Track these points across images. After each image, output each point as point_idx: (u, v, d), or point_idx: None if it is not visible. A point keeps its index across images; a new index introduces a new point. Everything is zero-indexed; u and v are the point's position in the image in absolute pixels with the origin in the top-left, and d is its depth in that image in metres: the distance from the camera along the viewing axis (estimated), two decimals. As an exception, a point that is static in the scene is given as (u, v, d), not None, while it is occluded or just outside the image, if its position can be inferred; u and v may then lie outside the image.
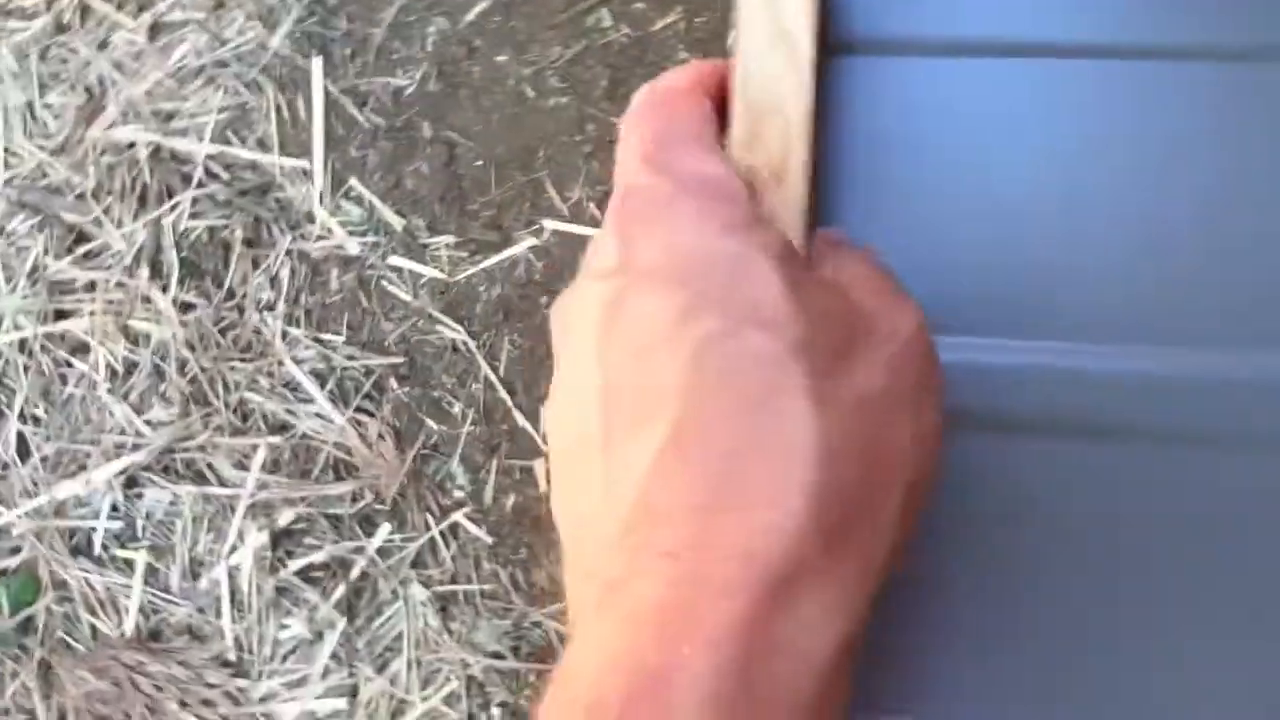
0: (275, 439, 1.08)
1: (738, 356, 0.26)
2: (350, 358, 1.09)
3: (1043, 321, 0.35)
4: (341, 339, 1.10)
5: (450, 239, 1.09)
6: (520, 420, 1.06)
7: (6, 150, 1.17)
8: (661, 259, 0.27)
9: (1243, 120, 0.33)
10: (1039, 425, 0.34)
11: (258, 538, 1.06)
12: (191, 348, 1.10)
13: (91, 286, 1.13)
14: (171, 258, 1.12)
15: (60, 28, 1.18)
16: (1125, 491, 0.34)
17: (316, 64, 1.12)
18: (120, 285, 1.13)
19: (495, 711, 1.01)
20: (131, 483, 1.10)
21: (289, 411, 1.09)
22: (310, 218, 1.11)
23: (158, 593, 1.08)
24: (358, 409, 1.08)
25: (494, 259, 1.08)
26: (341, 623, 1.04)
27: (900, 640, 0.33)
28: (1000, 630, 0.34)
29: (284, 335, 1.10)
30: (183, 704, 1.03)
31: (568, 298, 0.30)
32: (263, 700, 1.04)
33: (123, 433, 1.11)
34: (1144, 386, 0.34)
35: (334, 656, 1.04)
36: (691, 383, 0.26)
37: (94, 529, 1.10)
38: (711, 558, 0.25)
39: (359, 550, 1.05)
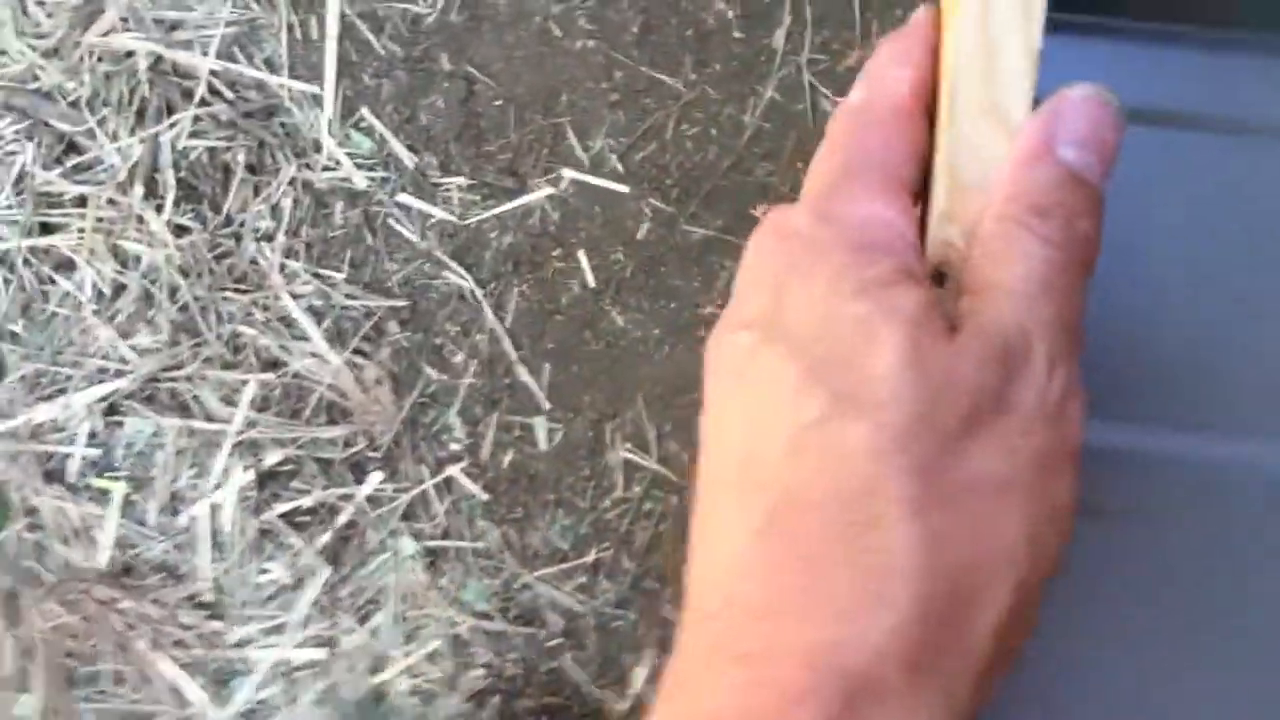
0: (267, 376, 1.04)
1: (838, 447, 0.25)
2: (350, 297, 1.05)
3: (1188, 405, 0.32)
4: (342, 276, 1.05)
5: (463, 180, 1.04)
6: (523, 375, 1.02)
7: (-3, 49, 1.11)
8: (794, 319, 0.27)
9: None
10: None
11: (243, 476, 1.02)
12: (184, 274, 1.06)
13: (82, 201, 1.08)
14: (168, 177, 1.07)
15: (62, -77, 1.11)
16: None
17: (333, -16, 1.06)
18: (112, 202, 1.07)
19: (479, 672, 0.98)
20: (112, 410, 1.06)
21: (283, 348, 1.04)
22: (317, 146, 1.06)
23: (134, 526, 1.04)
24: (355, 351, 1.04)
25: (508, 205, 1.03)
26: (325, 571, 1.00)
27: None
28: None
29: (282, 268, 1.05)
30: (155, 644, 0.99)
31: (717, 333, 0.28)
32: (238, 645, 1.00)
33: (106, 357, 1.06)
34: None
35: (315, 605, 1.00)
36: (791, 468, 0.26)
37: (70, 455, 1.05)
38: (782, 663, 0.24)
39: (348, 497, 1.01)
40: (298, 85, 1.07)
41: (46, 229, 1.08)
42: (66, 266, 1.08)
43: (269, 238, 1.06)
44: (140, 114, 1.08)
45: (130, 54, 1.08)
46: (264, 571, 1.01)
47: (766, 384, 0.26)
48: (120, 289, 1.07)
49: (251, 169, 1.07)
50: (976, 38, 0.27)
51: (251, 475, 1.02)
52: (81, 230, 1.07)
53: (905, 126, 0.29)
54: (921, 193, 0.29)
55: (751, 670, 0.24)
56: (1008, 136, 0.27)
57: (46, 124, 1.09)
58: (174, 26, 1.08)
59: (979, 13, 0.27)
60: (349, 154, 1.05)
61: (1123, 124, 0.27)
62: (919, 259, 0.27)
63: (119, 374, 1.05)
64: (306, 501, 1.01)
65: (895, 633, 0.24)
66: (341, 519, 1.01)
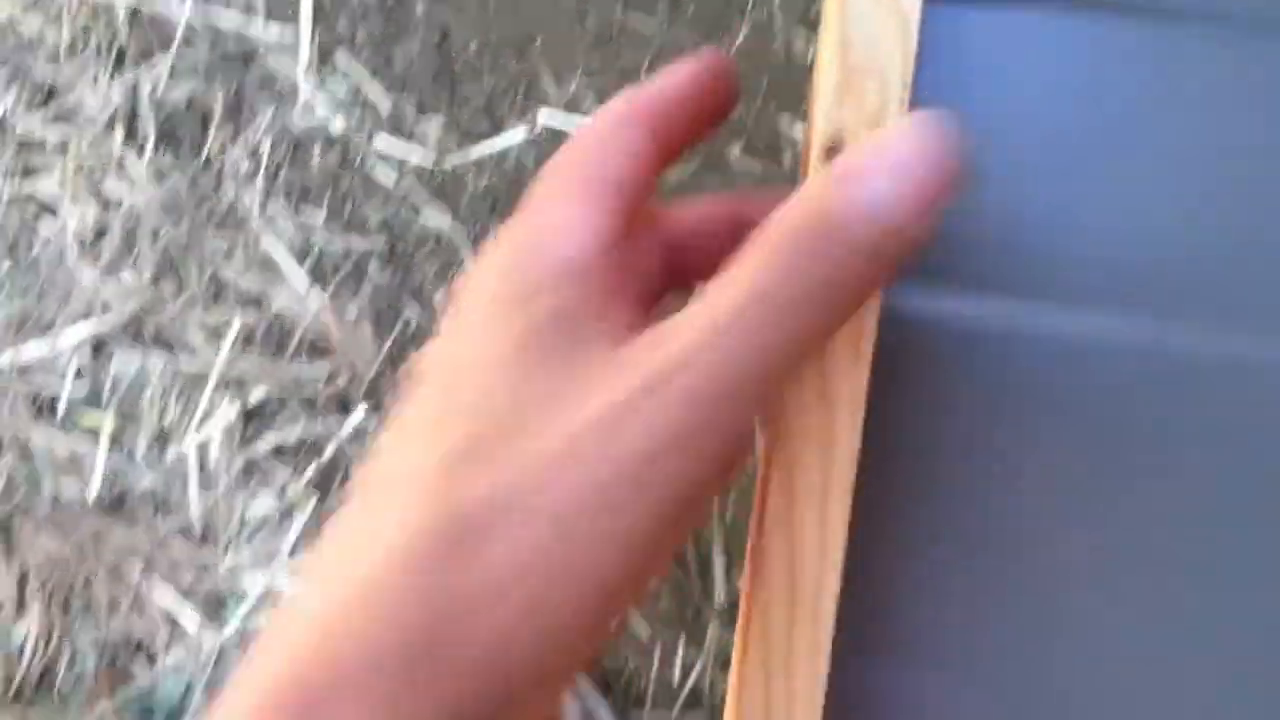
0: (249, 314, 1.07)
1: (423, 455, 0.26)
2: (330, 238, 1.07)
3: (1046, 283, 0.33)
4: (321, 218, 1.08)
5: (439, 124, 1.07)
6: (500, 312, 1.06)
7: (-25, -5, 1.12)
8: (452, 337, 0.28)
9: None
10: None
11: (228, 412, 1.05)
12: (165, 216, 1.08)
13: (63, 147, 1.10)
14: (148, 123, 1.09)
15: None
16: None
17: (309, -70, 1.08)
18: (93, 147, 1.09)
19: (462, 597, 1.02)
20: (99, 348, 1.08)
21: (264, 289, 1.07)
22: (294, 91, 1.09)
23: (123, 460, 1.07)
24: (335, 291, 1.07)
25: (484, 148, 1.06)
26: (312, 502, 1.04)
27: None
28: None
29: (262, 210, 1.08)
30: (147, 572, 1.03)
31: None
32: (229, 573, 1.04)
33: (91, 298, 1.08)
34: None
35: (304, 534, 1.04)
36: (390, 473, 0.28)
37: (58, 393, 1.08)
38: (295, 655, 0.25)
39: (332, 432, 1.05)
40: (274, 30, 1.09)
41: (29, 173, 1.10)
42: (49, 210, 1.10)
43: (248, 180, 1.08)
44: (119, 60, 1.10)
45: (109, 3, 1.10)
46: (252, 503, 1.05)
47: (417, 393, 0.28)
48: (103, 231, 1.09)
49: (230, 113, 1.09)
50: None
51: (236, 411, 1.05)
52: (64, 174, 1.09)
53: (611, 135, 0.30)
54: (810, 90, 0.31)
55: (263, 669, 0.25)
56: (899, 22, 0.28)
57: (28, 72, 1.11)
58: (151, -28, 1.10)
59: None
60: (325, 98, 1.08)
61: (953, 168, 0.25)
62: (595, 248, 0.28)
63: (104, 312, 1.08)
64: (291, 436, 1.05)
65: (355, 632, 0.24)
66: (327, 453, 1.05)
